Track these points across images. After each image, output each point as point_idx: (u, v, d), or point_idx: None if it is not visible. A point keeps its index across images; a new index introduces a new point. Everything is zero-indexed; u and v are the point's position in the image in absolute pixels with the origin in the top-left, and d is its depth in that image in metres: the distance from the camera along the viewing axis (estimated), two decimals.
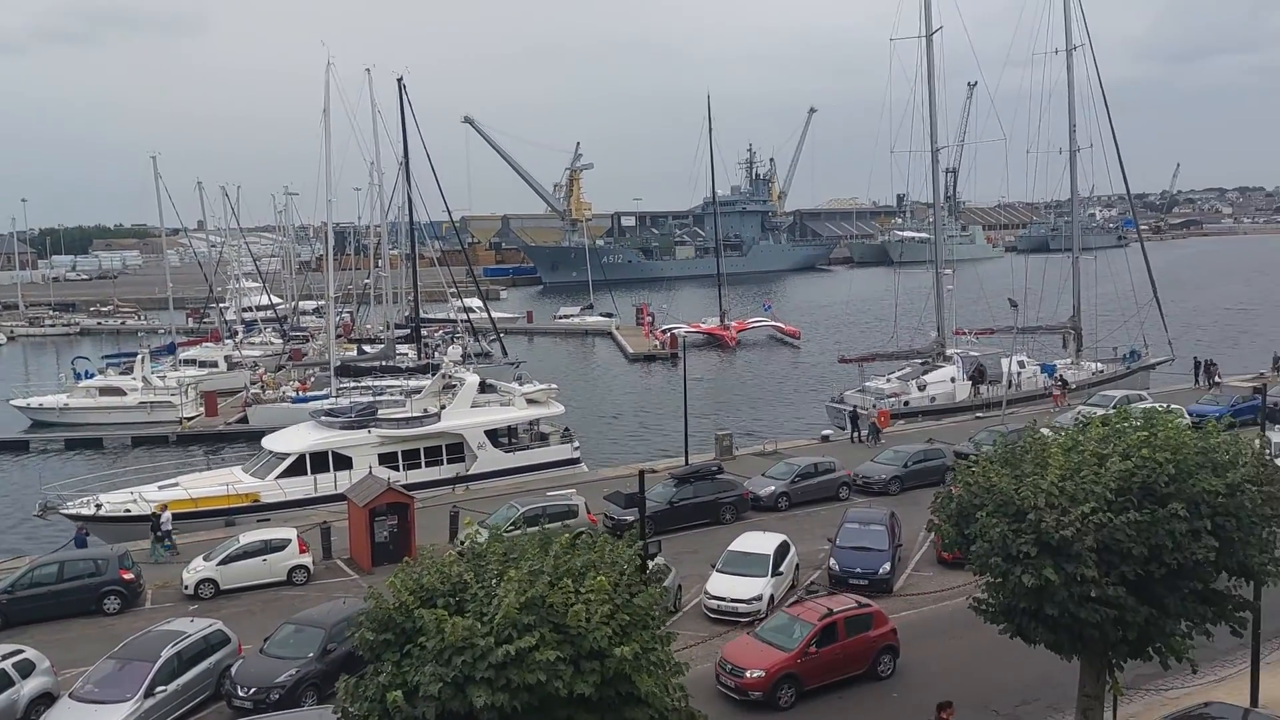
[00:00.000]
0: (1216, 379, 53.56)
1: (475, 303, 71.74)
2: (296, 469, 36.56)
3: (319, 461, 36.88)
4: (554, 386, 45.20)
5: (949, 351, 54.74)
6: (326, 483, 36.55)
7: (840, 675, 20.54)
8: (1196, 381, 54.65)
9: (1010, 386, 50.69)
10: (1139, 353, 58.14)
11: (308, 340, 74.26)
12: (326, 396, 49.75)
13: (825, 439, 45.42)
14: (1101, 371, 56.53)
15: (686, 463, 39.15)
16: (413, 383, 49.05)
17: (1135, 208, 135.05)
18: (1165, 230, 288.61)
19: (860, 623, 21.08)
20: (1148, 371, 57.65)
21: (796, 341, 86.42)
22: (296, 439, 38.22)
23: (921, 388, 51.37)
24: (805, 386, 66.01)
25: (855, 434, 45.31)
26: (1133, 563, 14.51)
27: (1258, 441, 17.69)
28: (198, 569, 27.56)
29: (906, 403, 48.48)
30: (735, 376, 72.41)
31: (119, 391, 56.39)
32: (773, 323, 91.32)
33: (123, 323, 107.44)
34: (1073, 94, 54.80)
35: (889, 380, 52.67)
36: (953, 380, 52.07)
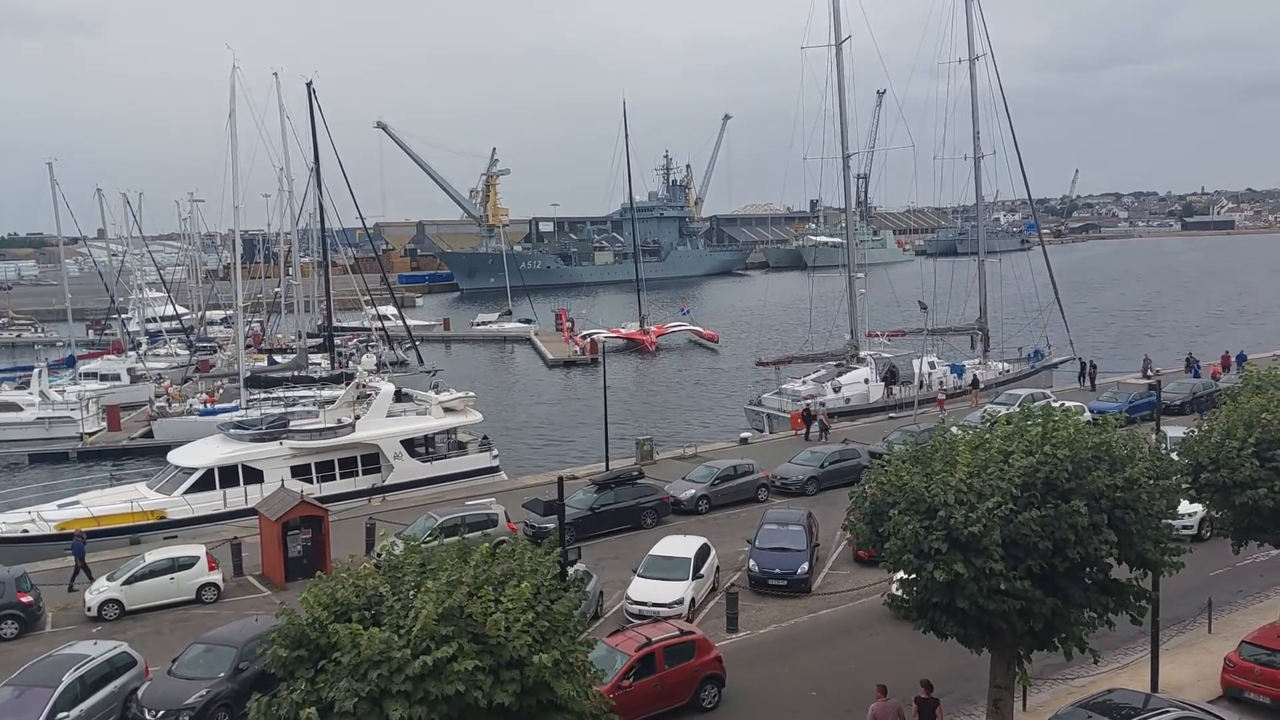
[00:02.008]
0: (1095, 380, 55.12)
1: (390, 310, 71.15)
2: (205, 484, 35.78)
3: (228, 475, 36.18)
4: (472, 394, 45.05)
5: (863, 353, 55.72)
6: (237, 497, 35.81)
7: (659, 708, 19.60)
8: (1081, 382, 56.24)
9: (921, 387, 51.72)
10: (1043, 352, 59.80)
11: (215, 351, 72.88)
12: (236, 408, 48.83)
13: (744, 441, 45.87)
14: (1008, 371, 58.11)
15: (607, 468, 39.17)
16: (326, 393, 48.51)
17: (1037, 212, 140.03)
18: (1066, 234, 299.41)
19: (681, 652, 20.08)
20: (1051, 371, 59.36)
21: (715, 345, 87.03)
22: (204, 453, 37.40)
23: (836, 389, 52.17)
24: (724, 390, 66.52)
25: (808, 432, 46.24)
26: (1038, 556, 14.95)
27: (1154, 436, 18.35)
28: (101, 589, 26.67)
29: (822, 404, 49.15)
30: (655, 381, 72.69)
31: (14, 407, 54.41)
32: (691, 327, 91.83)
33: (18, 335, 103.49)
34: (976, 102, 56.47)
35: (805, 382, 53.43)
36: (866, 381, 53.01)
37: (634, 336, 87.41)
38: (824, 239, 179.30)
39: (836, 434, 45.47)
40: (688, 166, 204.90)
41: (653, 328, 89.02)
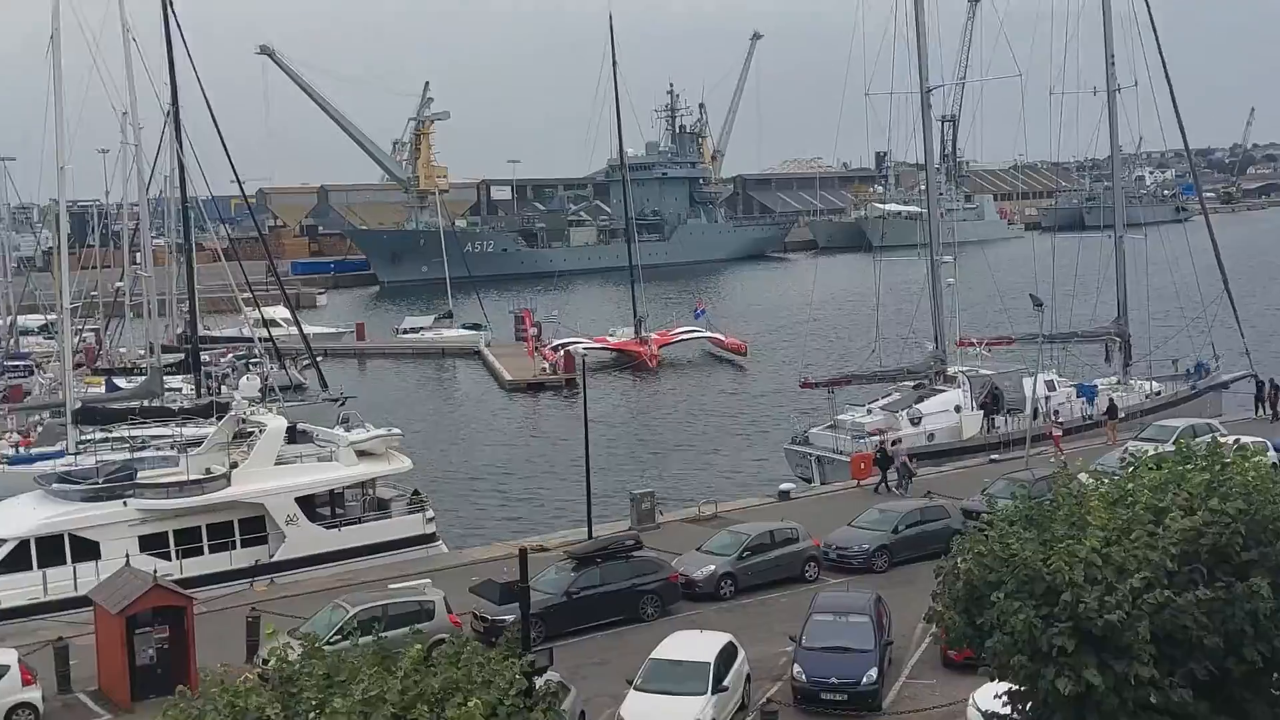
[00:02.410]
0: None
1: (280, 313, 70.72)
2: (16, 561, 35.63)
3: (50, 550, 36.01)
4: (397, 431, 45.17)
5: (952, 370, 55.79)
6: (62, 580, 35.58)
7: None
8: (1258, 410, 56.25)
9: (1036, 416, 51.65)
10: (1207, 367, 59.93)
11: (31, 373, 71.68)
12: (61, 454, 48.24)
13: (784, 496, 45.79)
14: (1158, 394, 58.17)
15: (590, 536, 39.13)
16: (189, 431, 48.57)
17: (1197, 168, 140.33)
18: (1238, 197, 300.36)
19: None
20: (1219, 393, 59.46)
21: (742, 359, 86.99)
22: (15, 518, 37.20)
23: (915, 421, 52.15)
24: (756, 422, 66.58)
25: (884, 482, 46.38)
26: (1203, 656, 14.99)
27: None
28: None
29: (898, 440, 49.21)
30: (658, 410, 72.74)
31: None
32: (709, 334, 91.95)
33: None
34: (1110, 13, 56.60)
35: (871, 411, 53.32)
36: (957, 409, 53.10)
37: (627, 348, 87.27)
38: (895, 208, 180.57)
39: (918, 484, 45.51)
40: (701, 107, 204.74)
41: (653, 335, 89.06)
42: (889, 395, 55.29)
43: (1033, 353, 54.94)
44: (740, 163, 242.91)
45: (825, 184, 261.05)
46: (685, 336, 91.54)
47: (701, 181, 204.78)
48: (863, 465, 47.86)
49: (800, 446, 52.48)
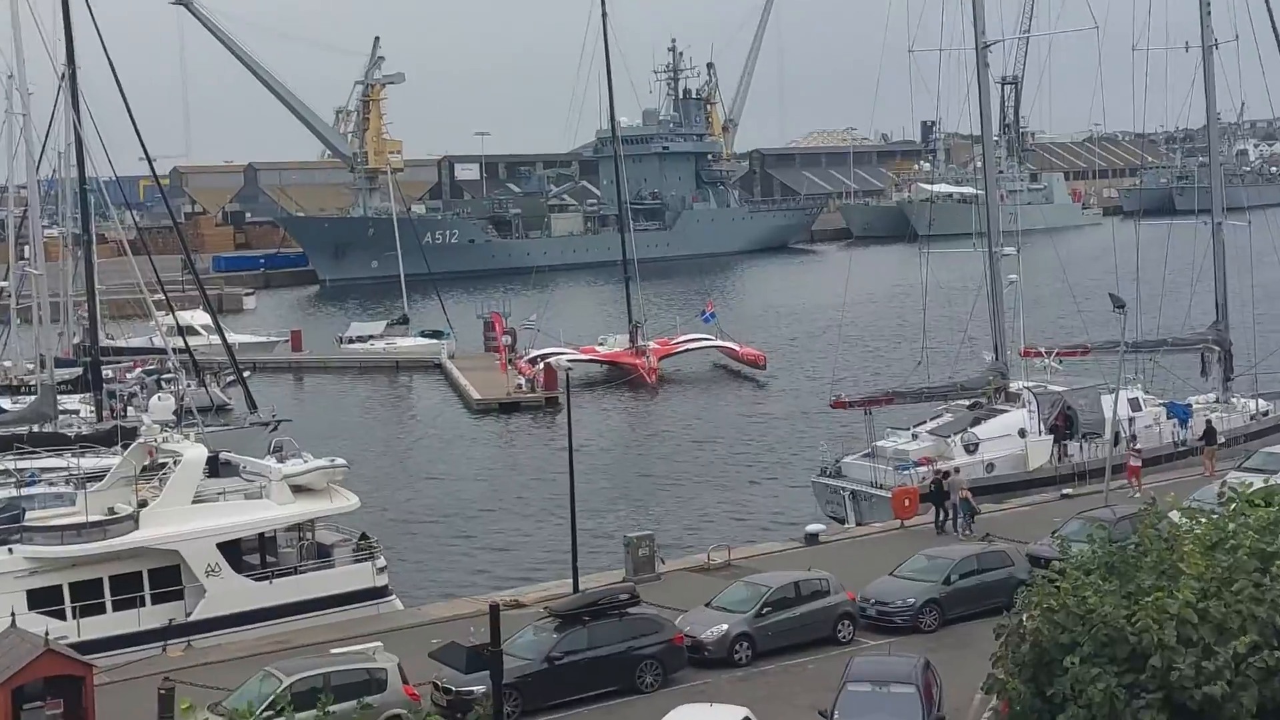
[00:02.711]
0: None
1: (199, 318, 71.20)
2: None
3: None
4: (341, 462, 44.48)
5: (1015, 386, 55.58)
6: None
7: None
8: None
9: (1118, 442, 51.30)
10: None
11: None
12: None
13: (812, 539, 45.71)
14: (1265, 415, 58.07)
15: (576, 589, 38.99)
16: (89, 462, 48.28)
17: None
18: None
19: None
20: None
21: (760, 373, 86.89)
22: None
23: (971, 448, 51.95)
24: (776, 449, 66.43)
25: (942, 518, 46.44)
26: None
27: None
28: None
29: (956, 469, 48.99)
30: (658, 436, 72.63)
31: None
32: (719, 342, 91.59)
33: None
34: None
35: (916, 436, 53.29)
36: (1022, 434, 52.90)
37: (621, 359, 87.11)
38: (945, 189, 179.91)
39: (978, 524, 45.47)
40: (710, 67, 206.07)
41: (652, 344, 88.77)
42: (939, 417, 54.99)
43: (1113, 365, 54.46)
44: (757, 135, 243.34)
45: (860, 160, 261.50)
46: (691, 346, 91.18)
47: (710, 158, 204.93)
48: (907, 502, 47.51)
49: (831, 479, 52.17)
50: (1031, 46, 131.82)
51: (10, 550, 37.33)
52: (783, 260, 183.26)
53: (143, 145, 57.94)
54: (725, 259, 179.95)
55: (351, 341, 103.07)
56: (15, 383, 68.47)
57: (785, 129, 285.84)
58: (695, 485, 60.92)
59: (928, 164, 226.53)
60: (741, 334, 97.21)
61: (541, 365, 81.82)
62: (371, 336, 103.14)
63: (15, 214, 75.33)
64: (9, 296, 74.96)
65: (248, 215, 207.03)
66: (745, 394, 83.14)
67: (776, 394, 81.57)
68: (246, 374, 61.68)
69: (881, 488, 49.72)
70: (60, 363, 64.12)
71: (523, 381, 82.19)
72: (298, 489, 42.01)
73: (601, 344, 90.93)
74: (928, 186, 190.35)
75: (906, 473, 49.70)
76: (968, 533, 44.70)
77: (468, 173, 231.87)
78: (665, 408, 79.82)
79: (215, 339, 64.68)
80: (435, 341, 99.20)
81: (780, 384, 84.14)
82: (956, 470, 48.56)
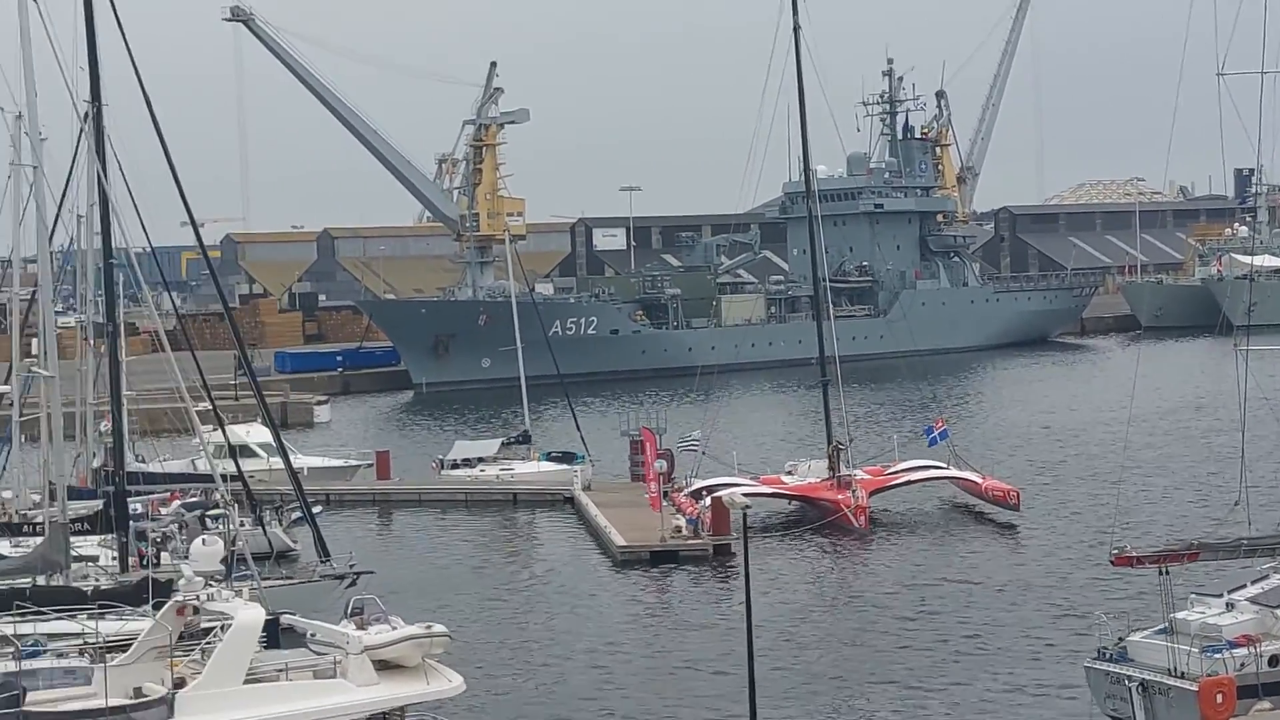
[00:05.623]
0: None
1: (257, 435, 70.61)
2: None
3: None
4: (440, 630, 40.64)
5: None
6: None
7: None
8: None
9: None
10: None
11: None
12: None
13: None
14: None
15: None
16: (111, 626, 44.67)
17: None
18: None
19: None
20: None
21: (1012, 514, 78.85)
22: None
23: None
24: (1033, 621, 59.62)
25: None
26: None
27: None
28: None
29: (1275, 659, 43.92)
30: (868, 598, 65.46)
31: None
32: (955, 473, 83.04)
33: None
34: None
35: (1233, 606, 47.14)
36: None
37: (817, 494, 79.40)
38: (1271, 262, 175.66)
39: None
40: (940, 98, 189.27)
41: (860, 472, 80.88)
42: (1264, 579, 47.89)
43: None
44: (1005, 188, 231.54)
45: (1149, 222, 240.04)
46: (914, 477, 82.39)
47: (940, 218, 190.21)
48: (1220, 698, 41.78)
49: (1112, 665, 45.38)
50: None
51: None
52: (1042, 359, 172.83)
53: (186, 206, 56.74)
54: (961, 357, 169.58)
55: (455, 466, 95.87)
56: (17, 520, 65.20)
57: (1044, 180, 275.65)
58: (923, 672, 52.78)
59: (1244, 228, 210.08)
60: (984, 461, 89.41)
61: (708, 500, 74.72)
62: (481, 460, 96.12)
63: (21, 297, 72.42)
64: (10, 405, 70.83)
65: (321, 298, 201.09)
66: (990, 543, 74.57)
67: (1033, 544, 72.98)
68: (317, 510, 58.96)
69: (1184, 677, 42.74)
70: (75, 493, 61.03)
71: (683, 522, 74.35)
72: (383, 665, 39.37)
73: (790, 473, 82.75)
74: (1245, 259, 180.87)
75: (1219, 656, 42.60)
76: None
77: (611, 241, 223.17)
78: (878, 560, 71.48)
79: (277, 462, 61.87)
80: (566, 467, 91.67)
81: (1039, 530, 75.59)
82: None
